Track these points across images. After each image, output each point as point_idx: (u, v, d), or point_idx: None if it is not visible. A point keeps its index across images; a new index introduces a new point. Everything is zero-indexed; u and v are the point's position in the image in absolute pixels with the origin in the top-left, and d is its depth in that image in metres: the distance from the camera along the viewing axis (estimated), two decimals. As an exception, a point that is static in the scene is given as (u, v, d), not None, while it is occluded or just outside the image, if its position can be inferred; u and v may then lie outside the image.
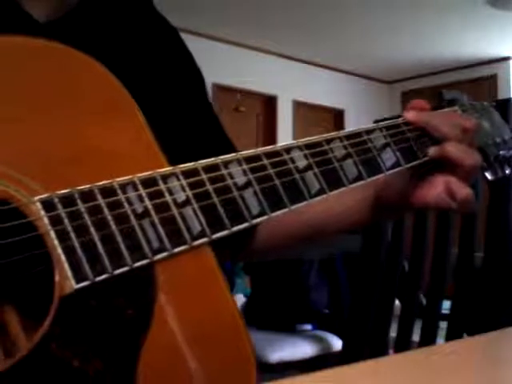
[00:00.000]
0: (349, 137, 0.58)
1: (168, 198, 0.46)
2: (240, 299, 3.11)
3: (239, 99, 6.53)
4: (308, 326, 2.46)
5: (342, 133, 0.58)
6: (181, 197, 0.47)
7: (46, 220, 0.42)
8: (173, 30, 0.80)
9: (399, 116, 0.64)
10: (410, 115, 0.63)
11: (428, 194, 0.64)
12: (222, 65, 6.20)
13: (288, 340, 2.25)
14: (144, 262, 0.44)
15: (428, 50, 6.61)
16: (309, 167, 0.54)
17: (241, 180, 0.50)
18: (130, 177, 0.46)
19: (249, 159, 0.51)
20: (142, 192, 0.46)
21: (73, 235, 0.42)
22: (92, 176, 0.45)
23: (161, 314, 0.44)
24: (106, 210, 0.44)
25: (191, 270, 0.47)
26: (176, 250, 0.45)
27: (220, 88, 6.24)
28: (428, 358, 0.56)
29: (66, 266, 0.42)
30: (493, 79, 7.00)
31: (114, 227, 0.44)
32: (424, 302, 1.52)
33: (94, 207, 0.44)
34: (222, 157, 0.50)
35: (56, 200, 0.43)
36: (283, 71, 6.83)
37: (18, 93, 0.46)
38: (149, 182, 0.46)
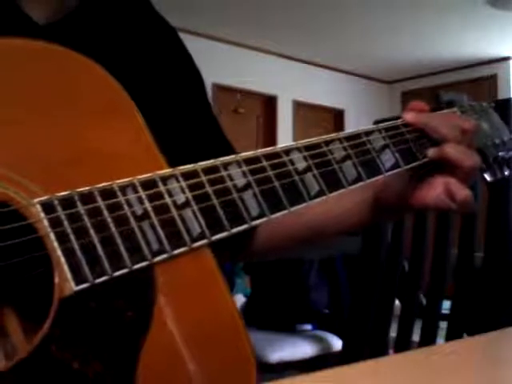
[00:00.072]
0: (348, 138, 0.58)
1: (167, 199, 0.46)
2: (240, 299, 3.11)
3: (239, 99, 6.53)
4: (308, 326, 2.46)
5: (341, 134, 0.58)
6: (180, 198, 0.47)
7: (45, 222, 0.42)
8: (172, 30, 0.80)
9: (399, 117, 0.64)
10: (409, 117, 0.63)
11: (427, 195, 0.64)
12: (222, 65, 6.20)
13: (288, 340, 2.25)
14: (143, 263, 0.44)
15: (428, 50, 6.61)
16: (308, 169, 0.54)
17: (240, 182, 0.50)
18: (129, 179, 0.46)
19: (248, 161, 0.51)
20: (142, 194, 0.46)
21: (72, 237, 0.42)
22: (92, 178, 0.45)
23: (160, 316, 0.44)
24: (105, 212, 0.44)
25: (191, 272, 0.47)
26: (176, 251, 0.45)
27: (220, 88, 6.24)
28: (428, 358, 0.56)
29: (66, 268, 0.42)
30: (493, 79, 7.00)
31: (113, 229, 0.44)
32: (424, 302, 1.52)
33: (94, 209, 0.44)
34: (221, 158, 0.50)
35: (56, 202, 0.43)
36: (283, 71, 6.83)
37: (17, 95, 0.46)
38: (148, 184, 0.46)
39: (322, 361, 2.25)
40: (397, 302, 1.51)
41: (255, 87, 6.63)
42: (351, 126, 7.04)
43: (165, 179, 0.47)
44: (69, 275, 0.42)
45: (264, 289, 2.51)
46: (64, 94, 0.47)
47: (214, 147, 0.79)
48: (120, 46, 0.71)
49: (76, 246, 0.42)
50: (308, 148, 0.55)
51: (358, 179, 0.57)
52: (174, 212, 0.46)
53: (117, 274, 0.43)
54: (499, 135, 0.71)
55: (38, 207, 0.42)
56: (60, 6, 0.68)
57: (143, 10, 0.78)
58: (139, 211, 0.45)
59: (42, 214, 0.42)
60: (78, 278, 0.42)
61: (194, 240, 0.46)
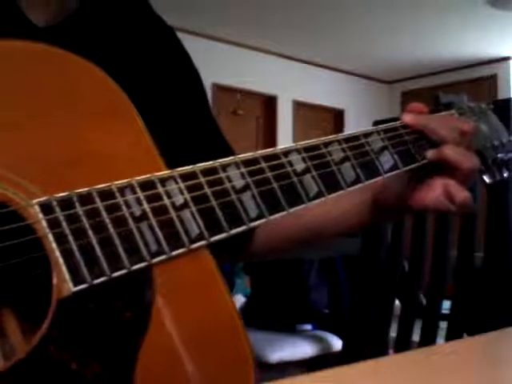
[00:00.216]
0: (347, 140, 0.58)
1: (166, 200, 0.46)
2: (240, 299, 3.11)
3: (239, 99, 6.53)
4: (308, 326, 2.46)
5: (339, 136, 0.58)
6: (179, 200, 0.47)
7: (44, 223, 0.42)
8: (170, 30, 0.80)
9: (399, 117, 0.64)
10: (408, 118, 0.63)
11: (427, 197, 0.64)
12: (222, 65, 6.21)
13: (288, 340, 2.25)
14: (142, 264, 0.44)
15: (428, 50, 6.61)
16: (307, 170, 0.54)
17: (239, 183, 0.50)
18: (128, 180, 0.46)
19: (247, 162, 0.51)
20: (140, 195, 0.46)
21: (71, 238, 0.42)
22: (90, 179, 0.45)
23: (158, 317, 0.44)
24: (104, 213, 0.44)
25: (189, 273, 0.47)
26: (174, 252, 0.45)
27: (220, 88, 6.24)
28: (428, 358, 0.56)
29: (64, 268, 0.42)
30: (493, 79, 7.00)
31: (111, 230, 0.44)
32: (424, 302, 1.52)
33: (92, 210, 0.44)
34: (220, 160, 0.50)
35: (54, 203, 0.43)
36: (283, 71, 6.83)
37: (17, 97, 0.46)
38: (147, 185, 0.46)
39: (322, 361, 2.25)
40: (397, 302, 1.51)
41: (255, 87, 6.63)
42: (351, 126, 7.05)
43: (163, 180, 0.47)
44: (67, 276, 0.42)
45: (264, 289, 2.51)
46: (64, 96, 0.48)
47: (213, 148, 0.79)
48: (119, 49, 0.72)
49: (74, 247, 0.42)
50: (307, 149, 0.55)
51: (357, 181, 0.57)
52: (173, 213, 0.46)
53: (115, 274, 0.43)
54: (498, 137, 0.71)
55: (37, 208, 0.42)
56: (60, 9, 0.68)
57: (142, 12, 0.78)
58: (137, 212, 0.45)
59: (41, 215, 0.42)
60: (77, 278, 0.42)
61: (193, 241, 0.46)
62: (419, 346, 1.43)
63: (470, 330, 1.41)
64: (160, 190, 0.47)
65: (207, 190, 0.48)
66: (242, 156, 0.51)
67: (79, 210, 0.43)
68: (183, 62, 0.80)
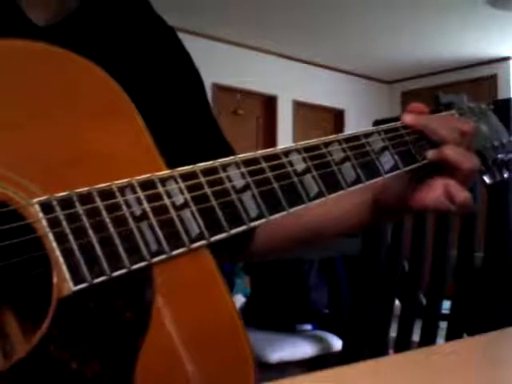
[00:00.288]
0: (347, 140, 0.58)
1: (166, 200, 0.46)
2: (240, 299, 3.11)
3: (239, 99, 6.53)
4: (308, 326, 2.46)
5: (340, 136, 0.58)
6: (179, 199, 0.47)
7: (44, 222, 0.42)
8: (171, 30, 0.80)
9: (399, 117, 0.64)
10: (409, 118, 0.63)
11: (427, 197, 0.64)
12: (222, 65, 6.21)
13: (288, 340, 2.25)
14: (142, 264, 0.44)
15: (428, 50, 6.61)
16: (307, 170, 0.54)
17: (239, 183, 0.50)
18: (128, 179, 0.46)
19: (247, 162, 0.51)
20: (141, 195, 0.46)
21: (71, 237, 0.42)
22: (91, 179, 0.45)
23: (159, 317, 0.44)
24: (104, 213, 0.44)
25: (189, 273, 0.47)
26: (174, 252, 0.45)
27: (220, 88, 6.24)
28: (428, 358, 0.56)
29: (64, 268, 0.42)
30: (493, 79, 7.00)
31: (112, 229, 0.44)
32: (424, 302, 1.52)
33: (93, 210, 0.44)
34: (220, 160, 0.50)
35: (54, 202, 0.43)
36: (283, 71, 6.83)
37: (17, 96, 0.46)
38: (147, 185, 0.46)
39: (322, 361, 2.25)
40: (397, 302, 1.51)
41: (255, 87, 6.63)
42: (351, 126, 7.06)
43: (163, 180, 0.47)
44: (67, 275, 0.42)
45: (264, 289, 2.51)
46: (64, 95, 0.48)
47: (213, 148, 0.79)
48: (120, 48, 0.72)
49: (74, 246, 0.42)
50: (307, 149, 0.55)
51: (357, 181, 0.57)
52: (173, 213, 0.46)
53: (115, 274, 0.43)
54: (498, 137, 0.71)
55: (37, 207, 0.42)
56: (60, 8, 0.68)
57: (142, 11, 0.78)
58: (138, 212, 0.45)
59: (41, 214, 0.42)
60: (77, 278, 0.42)
61: (193, 241, 0.46)
62: (419, 346, 1.43)
63: (470, 329, 1.41)
64: (160, 189, 0.47)
65: (207, 190, 0.48)
66: (243, 156, 0.51)
67: (79, 209, 0.43)
68: (184, 62, 0.80)
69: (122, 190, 0.45)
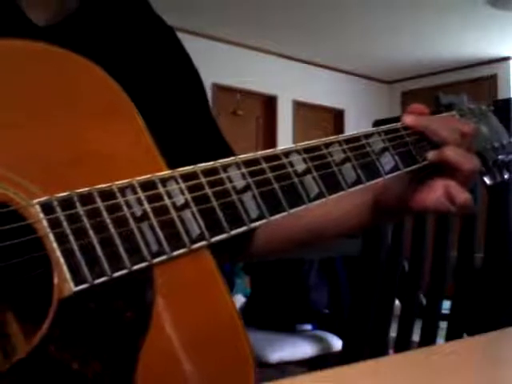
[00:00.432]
0: (347, 141, 0.58)
1: (167, 201, 0.46)
2: (240, 299, 3.11)
3: (239, 99, 6.53)
4: (308, 326, 2.46)
5: (340, 137, 0.58)
6: (180, 200, 0.47)
7: (44, 223, 0.42)
8: (170, 30, 0.80)
9: (399, 117, 0.64)
10: (409, 119, 0.63)
11: (427, 198, 0.64)
12: (222, 65, 6.21)
13: (288, 340, 2.25)
14: (143, 264, 0.44)
15: (428, 50, 6.60)
16: (308, 171, 0.54)
17: (240, 184, 0.50)
18: (128, 180, 0.46)
19: (248, 163, 0.51)
20: (141, 195, 0.46)
21: (72, 238, 0.43)
22: (91, 179, 0.45)
23: (159, 317, 0.44)
24: (104, 213, 0.44)
25: (190, 273, 0.47)
26: (175, 253, 0.45)
27: (220, 88, 6.24)
28: (428, 358, 0.56)
29: (65, 268, 0.42)
30: (493, 79, 7.00)
31: (112, 230, 0.44)
32: (424, 301, 1.52)
33: (93, 210, 0.44)
34: (220, 160, 0.50)
35: (55, 203, 0.43)
36: (283, 71, 6.83)
37: (17, 96, 0.46)
38: (148, 185, 0.46)
39: (322, 361, 2.25)
40: (397, 302, 1.51)
41: (255, 87, 6.63)
42: (351, 126, 7.06)
43: (164, 181, 0.47)
44: (68, 276, 0.42)
45: (264, 289, 2.51)
46: (64, 95, 0.48)
47: (212, 149, 0.79)
48: (119, 48, 0.72)
49: (75, 247, 0.42)
50: (307, 150, 0.55)
51: (358, 182, 0.57)
52: (174, 213, 0.46)
53: (116, 274, 0.43)
54: (498, 138, 0.71)
55: (38, 208, 0.42)
56: (60, 8, 0.68)
57: (142, 12, 0.78)
58: (138, 212, 0.45)
59: (42, 215, 0.42)
60: (77, 278, 0.42)
61: (194, 241, 0.46)
62: (419, 346, 1.43)
63: (470, 329, 1.41)
64: (161, 190, 0.47)
65: (208, 191, 0.48)
66: (243, 156, 0.51)
67: (80, 209, 0.43)
68: (183, 62, 0.80)
69: (122, 190, 0.45)
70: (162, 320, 0.44)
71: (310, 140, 0.56)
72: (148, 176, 0.46)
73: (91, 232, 0.43)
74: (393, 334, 1.47)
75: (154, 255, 0.45)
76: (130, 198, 0.45)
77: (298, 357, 2.20)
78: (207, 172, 0.49)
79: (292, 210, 0.52)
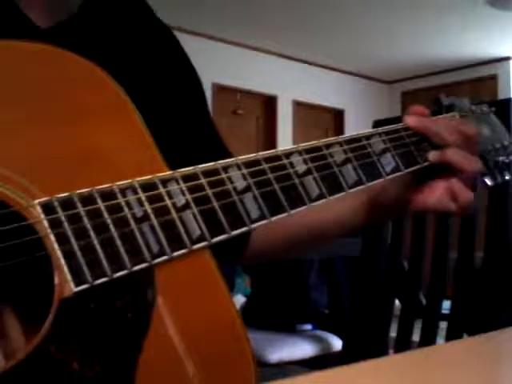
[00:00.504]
0: (348, 142, 0.58)
1: (167, 201, 0.46)
2: (240, 299, 3.11)
3: (239, 99, 6.53)
4: (308, 326, 2.46)
5: (341, 138, 0.58)
6: (180, 201, 0.47)
7: (45, 223, 0.42)
8: (168, 31, 0.80)
9: (400, 117, 0.64)
10: (411, 120, 0.63)
11: (428, 198, 0.64)
12: (222, 65, 6.21)
13: (288, 340, 2.25)
14: (143, 265, 0.44)
15: (428, 50, 6.60)
16: (308, 172, 0.54)
17: (240, 184, 0.50)
18: (129, 181, 0.46)
19: (248, 164, 0.51)
20: (142, 196, 0.46)
21: (72, 238, 0.43)
22: (91, 179, 0.45)
23: (160, 317, 0.44)
24: (105, 214, 0.44)
25: (190, 274, 0.47)
26: (175, 254, 0.45)
27: (220, 88, 6.24)
28: (428, 358, 0.56)
29: (66, 269, 0.42)
30: (493, 79, 7.00)
31: (113, 231, 0.44)
32: (424, 301, 1.52)
33: (94, 211, 0.44)
34: (221, 161, 0.50)
35: (56, 203, 0.43)
36: (283, 71, 6.83)
37: (17, 96, 0.46)
38: (148, 186, 0.46)
39: (322, 361, 2.25)
40: (397, 302, 1.51)
41: (255, 87, 6.63)
42: (351, 126, 7.06)
43: (165, 181, 0.47)
44: (69, 276, 0.42)
45: (264, 289, 2.51)
46: (64, 95, 0.48)
47: (209, 149, 0.79)
48: (119, 49, 0.72)
49: (76, 247, 0.42)
50: (308, 151, 0.55)
51: (359, 182, 0.57)
52: (174, 214, 0.46)
53: (116, 275, 0.43)
54: (499, 139, 0.71)
55: (38, 208, 0.43)
56: (61, 10, 0.68)
57: (141, 14, 0.78)
58: (139, 213, 0.45)
59: (42, 215, 0.42)
60: (78, 279, 0.42)
61: (194, 242, 0.46)
62: (419, 346, 1.43)
63: (470, 329, 1.41)
64: (161, 190, 0.47)
65: (209, 191, 0.48)
66: (244, 157, 0.51)
67: (81, 210, 0.43)
68: (182, 63, 0.80)
69: (123, 191, 0.45)
70: (162, 320, 0.44)
71: (310, 140, 0.56)
72: (149, 177, 0.47)
73: (92, 232, 0.43)
74: (393, 333, 1.47)
75: (155, 256, 0.45)
76: (131, 198, 0.45)
77: (298, 357, 2.20)
78: (208, 173, 0.49)
79: (293, 211, 0.52)
